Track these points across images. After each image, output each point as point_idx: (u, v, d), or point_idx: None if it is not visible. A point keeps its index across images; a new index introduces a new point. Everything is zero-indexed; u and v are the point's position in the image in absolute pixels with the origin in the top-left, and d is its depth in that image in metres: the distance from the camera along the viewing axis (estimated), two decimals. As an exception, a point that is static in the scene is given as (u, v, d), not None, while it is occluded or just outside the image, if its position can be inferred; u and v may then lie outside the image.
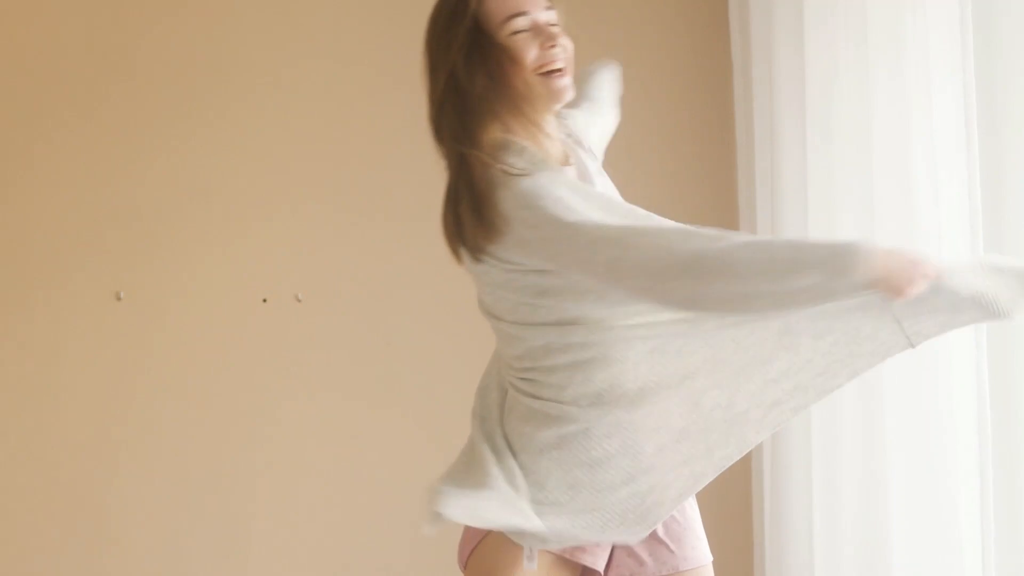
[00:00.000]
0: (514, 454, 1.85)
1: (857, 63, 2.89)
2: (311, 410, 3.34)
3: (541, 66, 1.87)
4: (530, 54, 1.86)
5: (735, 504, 3.48)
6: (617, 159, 3.66)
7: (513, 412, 1.89)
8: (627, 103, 3.73)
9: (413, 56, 3.52)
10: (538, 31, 1.87)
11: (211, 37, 3.37)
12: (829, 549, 2.98)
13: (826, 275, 1.62)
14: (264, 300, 3.35)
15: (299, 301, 3.37)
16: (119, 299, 3.26)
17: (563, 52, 1.89)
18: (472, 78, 1.85)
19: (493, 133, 1.84)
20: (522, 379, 1.88)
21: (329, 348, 3.38)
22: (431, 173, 3.49)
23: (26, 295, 3.21)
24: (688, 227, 1.73)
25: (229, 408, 3.32)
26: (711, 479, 1.87)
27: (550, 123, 1.92)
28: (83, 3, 3.30)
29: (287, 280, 3.37)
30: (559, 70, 1.88)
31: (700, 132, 3.67)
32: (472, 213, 1.81)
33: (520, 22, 1.87)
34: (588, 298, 1.80)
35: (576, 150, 2.00)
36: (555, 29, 1.88)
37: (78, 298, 3.23)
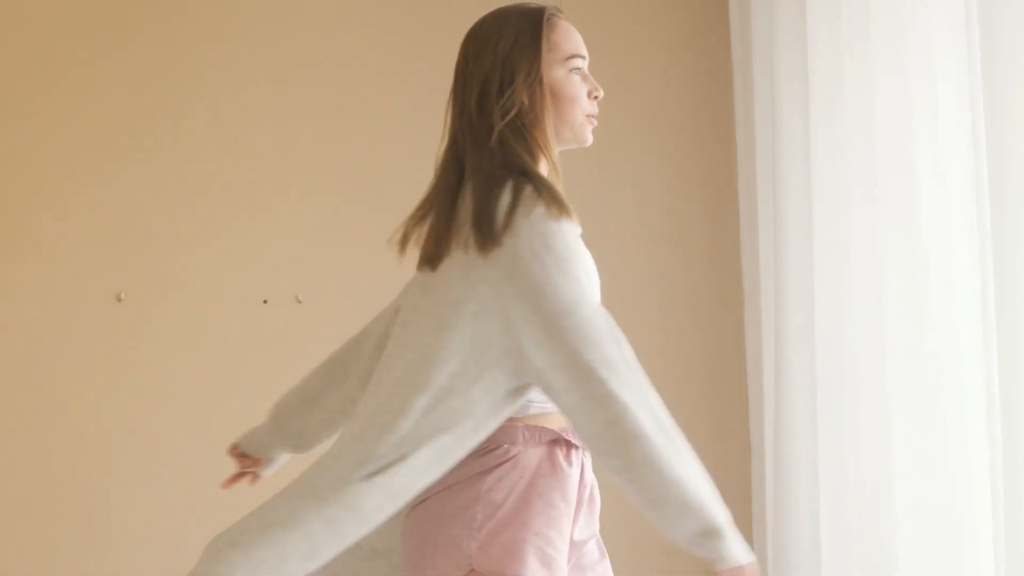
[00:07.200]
0: None
1: (861, 60, 2.88)
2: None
3: (588, 113, 1.92)
4: (582, 96, 1.91)
5: (735, 512, 3.47)
6: (616, 160, 3.67)
7: None
8: (625, 103, 3.74)
9: (414, 58, 3.54)
10: (586, 77, 1.92)
11: (212, 37, 3.37)
12: (833, 552, 2.97)
13: (698, 537, 1.71)
14: (264, 301, 3.35)
15: (299, 302, 3.36)
16: (119, 299, 3.25)
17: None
18: (522, 91, 1.85)
19: (531, 152, 1.85)
20: None
21: (330, 349, 3.36)
22: (432, 175, 3.49)
23: (26, 295, 3.20)
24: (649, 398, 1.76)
25: (229, 409, 3.30)
26: None
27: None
28: (82, 2, 3.29)
29: (287, 281, 3.36)
30: (593, 120, 1.94)
31: (699, 132, 3.66)
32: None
33: (580, 63, 1.91)
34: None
35: None
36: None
37: (78, 298, 3.22)
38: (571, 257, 1.77)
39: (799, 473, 3.08)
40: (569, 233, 1.79)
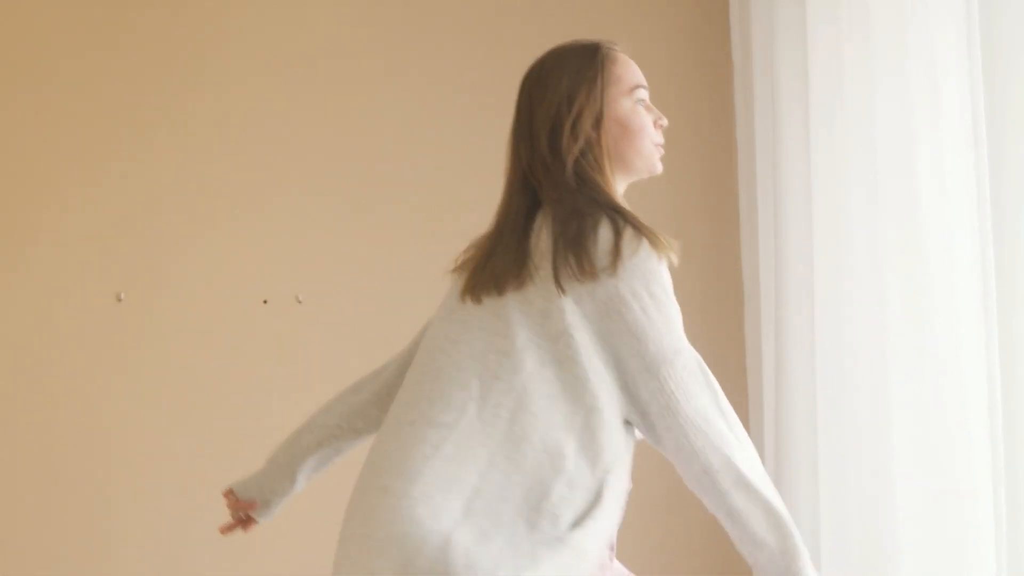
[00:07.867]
0: None
1: (861, 60, 2.88)
2: (312, 411, 3.32)
3: (655, 142, 1.94)
4: (649, 126, 1.92)
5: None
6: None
7: None
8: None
9: (416, 60, 3.54)
10: (650, 108, 1.93)
11: (212, 37, 3.37)
12: (833, 552, 2.97)
13: (775, 560, 1.74)
14: (265, 301, 3.35)
15: (300, 302, 3.36)
16: (119, 300, 3.25)
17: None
18: (589, 126, 1.86)
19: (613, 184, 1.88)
20: None
21: (330, 349, 3.37)
22: (431, 175, 3.50)
23: (26, 295, 3.20)
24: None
25: (230, 409, 3.31)
26: None
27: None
28: (82, 2, 3.29)
29: (287, 281, 3.36)
30: (661, 149, 1.95)
31: (700, 132, 3.66)
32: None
33: (643, 93, 1.92)
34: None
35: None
36: None
37: (78, 298, 3.22)
38: (669, 301, 1.80)
39: (799, 473, 3.08)
40: (666, 276, 1.80)
